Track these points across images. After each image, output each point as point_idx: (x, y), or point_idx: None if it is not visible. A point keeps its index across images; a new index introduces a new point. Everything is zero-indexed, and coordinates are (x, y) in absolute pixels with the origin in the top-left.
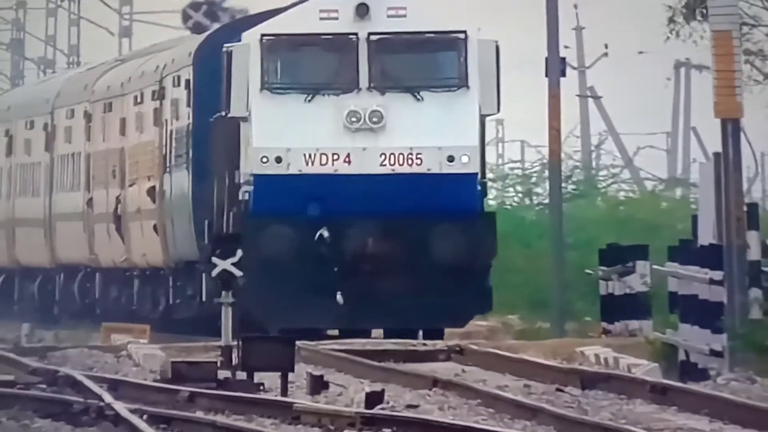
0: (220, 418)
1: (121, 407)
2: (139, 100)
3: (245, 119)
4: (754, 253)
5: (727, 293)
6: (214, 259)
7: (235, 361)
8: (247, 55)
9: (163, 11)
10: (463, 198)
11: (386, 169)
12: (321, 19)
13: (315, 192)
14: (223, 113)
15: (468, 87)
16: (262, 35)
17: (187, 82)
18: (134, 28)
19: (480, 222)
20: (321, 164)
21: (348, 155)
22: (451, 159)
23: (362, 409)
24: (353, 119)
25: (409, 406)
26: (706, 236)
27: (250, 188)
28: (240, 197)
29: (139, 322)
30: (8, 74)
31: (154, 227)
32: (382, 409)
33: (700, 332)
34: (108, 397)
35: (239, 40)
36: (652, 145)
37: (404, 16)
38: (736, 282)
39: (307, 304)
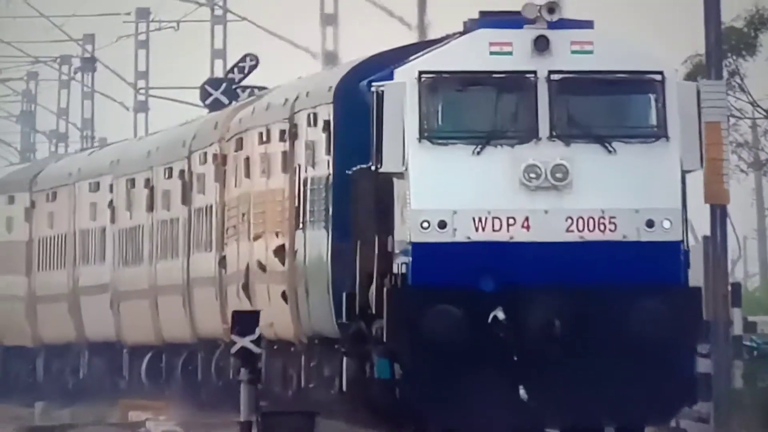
0: None
1: None
2: (264, 138)
3: (400, 175)
4: (737, 329)
5: (713, 364)
6: (233, 336)
7: None
8: (402, 97)
9: (180, 87)
10: (666, 270)
11: (573, 236)
12: (492, 53)
13: (487, 264)
14: (373, 166)
15: (668, 138)
16: (421, 72)
17: (326, 123)
18: (150, 103)
19: (686, 298)
20: (494, 230)
21: (526, 219)
22: (650, 224)
23: None
24: (532, 175)
25: None
26: None
27: (408, 259)
28: (394, 270)
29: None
30: (18, 147)
31: (283, 294)
32: None
33: None
34: None
35: (391, 76)
36: None
37: (591, 52)
38: (721, 355)
39: (480, 400)
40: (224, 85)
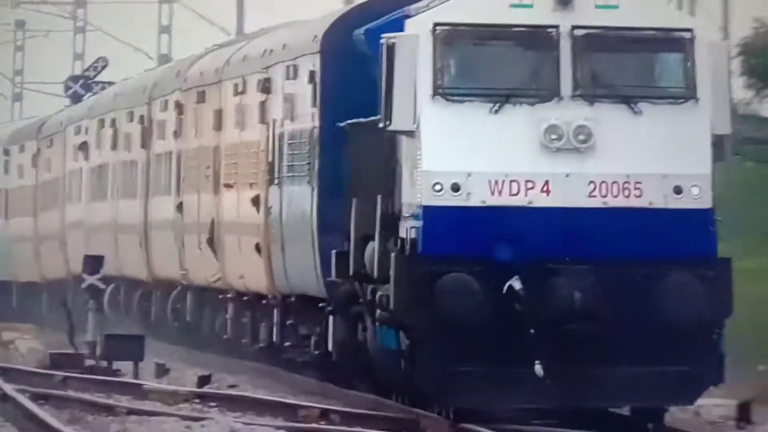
0: (86, 396)
1: (9, 388)
2: (240, 89)
3: (410, 134)
4: None
5: None
6: (84, 275)
7: (98, 352)
8: (414, 50)
9: (49, 82)
10: (695, 240)
11: (596, 202)
12: (512, 6)
13: (503, 230)
14: (381, 123)
15: (697, 99)
16: (435, 24)
17: (311, 74)
18: (24, 94)
19: (715, 270)
20: (511, 194)
21: (546, 183)
22: (678, 191)
23: (194, 389)
24: (553, 136)
25: (231, 386)
26: None
27: (418, 223)
28: (401, 234)
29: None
30: None
31: (257, 246)
32: (209, 388)
33: None
34: None
35: (399, 25)
36: None
37: (616, 6)
38: None
39: (495, 378)
40: (81, 81)
